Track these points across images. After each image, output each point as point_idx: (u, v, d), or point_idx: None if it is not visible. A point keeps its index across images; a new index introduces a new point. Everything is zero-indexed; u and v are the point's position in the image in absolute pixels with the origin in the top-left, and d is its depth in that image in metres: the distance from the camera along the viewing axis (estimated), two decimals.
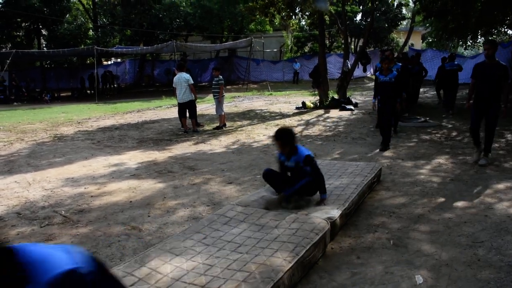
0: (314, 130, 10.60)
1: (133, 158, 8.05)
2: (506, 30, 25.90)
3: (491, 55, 6.35)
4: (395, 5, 30.69)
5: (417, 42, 37.13)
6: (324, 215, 4.00)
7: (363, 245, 3.94)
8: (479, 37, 25.05)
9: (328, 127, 11.02)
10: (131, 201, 5.39)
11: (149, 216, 4.84)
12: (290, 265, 3.06)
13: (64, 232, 4.41)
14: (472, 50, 29.89)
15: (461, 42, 30.36)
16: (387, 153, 7.73)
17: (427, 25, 27.92)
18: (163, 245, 3.40)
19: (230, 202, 5.04)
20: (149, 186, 6.09)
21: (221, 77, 11.24)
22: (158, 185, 6.10)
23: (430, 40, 38.32)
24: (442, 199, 5.13)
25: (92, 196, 5.63)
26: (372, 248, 3.86)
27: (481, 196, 5.21)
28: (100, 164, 7.60)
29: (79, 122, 13.56)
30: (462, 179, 5.95)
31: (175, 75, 11.19)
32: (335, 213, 4.08)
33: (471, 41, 26.19)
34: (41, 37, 32.48)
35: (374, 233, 4.20)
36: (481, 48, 28.00)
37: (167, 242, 3.51)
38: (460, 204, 4.97)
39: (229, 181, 6.20)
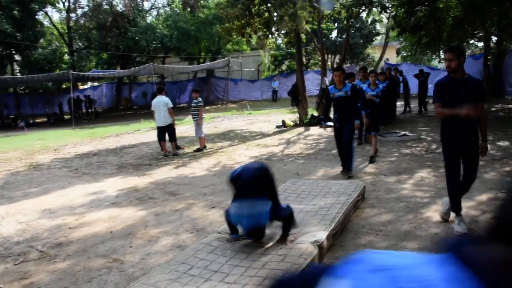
0: (296, 149, 10.57)
1: (112, 185, 7.85)
2: (477, 43, 26.62)
3: (454, 69, 4.36)
4: (369, 21, 31.33)
5: (392, 57, 37.84)
6: (311, 238, 3.91)
7: None
8: None
9: (309, 145, 11.00)
10: (111, 232, 5.21)
11: (130, 246, 4.67)
12: None
13: (40, 268, 4.21)
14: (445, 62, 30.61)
15: (434, 56, 31.05)
16: (369, 169, 7.72)
17: (401, 39, 28.52)
18: (147, 279, 3.26)
19: (214, 228, 4.92)
20: (130, 214, 5.91)
21: (200, 99, 11.15)
22: (139, 213, 5.93)
23: (404, 55, 39.14)
24: (428, 214, 5.11)
25: (70, 228, 5.43)
26: None
27: (465, 209, 5.18)
28: (78, 193, 7.38)
29: (55, 149, 13.26)
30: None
31: (154, 97, 11.08)
32: (322, 235, 4.00)
33: (443, 54, 26.84)
34: (14, 63, 31.98)
35: None
36: None
37: (151, 275, 3.36)
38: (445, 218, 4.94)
39: (212, 205, 6.08)
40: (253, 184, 3.83)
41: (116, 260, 4.30)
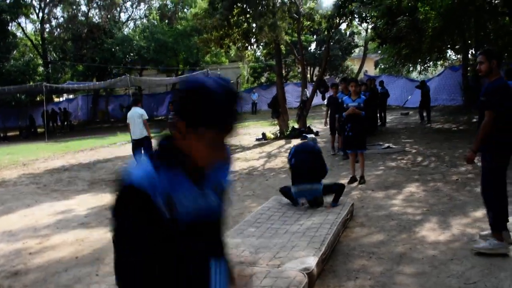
0: (277, 163, 10.18)
1: (82, 203, 7.31)
2: (455, 55, 26.90)
3: (484, 72, 4.12)
4: (348, 34, 31.45)
5: (370, 69, 38.06)
6: (299, 265, 3.49)
7: None
8: (429, 62, 25.86)
9: None
10: (77, 257, 4.69)
11: (97, 274, 4.17)
12: None
13: None
14: (425, 74, 30.82)
15: (411, 68, 31.23)
16: (355, 184, 7.37)
17: (379, 52, 28.61)
18: None
19: None
20: (99, 236, 5.40)
21: None
22: (109, 235, 5.40)
23: (382, 67, 39.46)
24: (422, 234, 4.75)
25: (31, 253, 4.89)
26: None
27: (461, 227, 4.88)
28: (44, 212, 6.81)
29: (24, 164, 12.56)
30: (437, 209, 5.62)
31: (129, 109, 10.58)
32: (311, 261, 3.58)
33: (421, 66, 26.99)
34: None
35: (355, 280, 3.73)
36: (435, 71, 28.79)
37: None
38: (441, 238, 4.60)
39: None
40: (308, 171, 5.38)
41: None
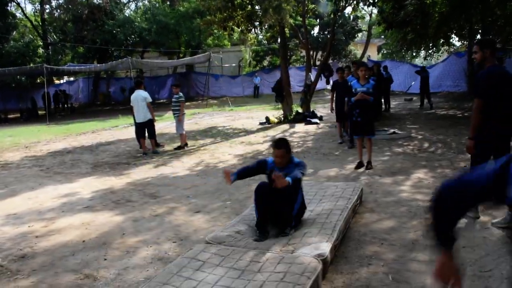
0: None
1: (86, 186, 7.24)
2: (457, 42, 26.66)
3: (478, 61, 4.46)
4: (352, 18, 31.07)
5: (373, 54, 37.79)
6: (314, 251, 3.43)
7: (359, 283, 3.40)
8: (433, 48, 25.64)
9: (296, 143, 10.54)
10: (84, 241, 4.63)
11: (105, 259, 4.12)
12: None
13: None
14: (429, 60, 30.60)
15: (415, 54, 30.91)
16: (363, 169, 7.29)
17: (382, 37, 28.28)
18: None
19: (199, 237, 4.41)
20: (105, 220, 5.34)
21: (181, 94, 10.58)
22: (115, 218, 5.36)
23: (385, 52, 39.14)
24: None
25: (37, 237, 4.83)
26: (370, 287, 3.33)
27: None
28: (49, 195, 6.74)
29: (26, 147, 12.48)
30: None
31: (132, 92, 10.46)
32: (325, 247, 3.53)
33: (426, 51, 26.75)
34: None
35: (368, 266, 3.68)
36: (440, 57, 28.55)
37: None
38: None
39: (196, 210, 5.55)
40: None
41: (88, 276, 3.75)
